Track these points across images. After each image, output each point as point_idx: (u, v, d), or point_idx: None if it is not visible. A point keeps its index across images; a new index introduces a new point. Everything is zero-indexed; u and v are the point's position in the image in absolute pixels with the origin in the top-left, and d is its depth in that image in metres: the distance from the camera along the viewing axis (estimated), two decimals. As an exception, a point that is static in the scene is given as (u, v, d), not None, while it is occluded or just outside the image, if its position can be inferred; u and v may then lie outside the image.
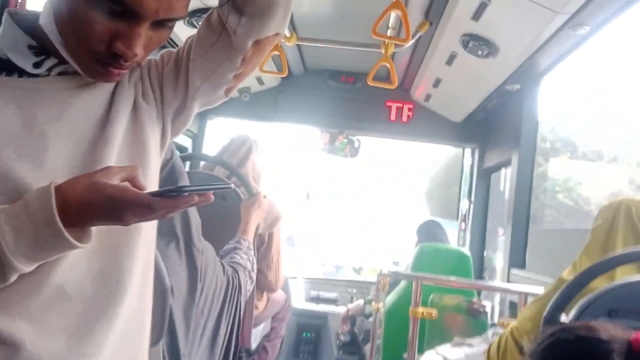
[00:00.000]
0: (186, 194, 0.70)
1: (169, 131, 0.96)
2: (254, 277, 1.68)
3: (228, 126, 3.86)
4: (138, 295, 0.87)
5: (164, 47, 0.94)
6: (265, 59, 2.62)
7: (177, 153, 1.23)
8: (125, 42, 0.77)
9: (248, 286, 1.62)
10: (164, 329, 1.09)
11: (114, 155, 0.83)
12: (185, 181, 1.27)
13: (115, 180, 0.70)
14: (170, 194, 0.70)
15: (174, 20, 0.82)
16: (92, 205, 0.69)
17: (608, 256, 1.24)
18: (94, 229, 0.74)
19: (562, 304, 1.20)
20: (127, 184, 0.72)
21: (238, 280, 1.54)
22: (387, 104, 3.53)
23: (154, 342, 1.03)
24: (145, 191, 0.73)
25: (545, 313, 1.22)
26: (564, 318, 1.21)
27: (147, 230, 0.89)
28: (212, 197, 0.73)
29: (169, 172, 1.19)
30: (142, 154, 0.88)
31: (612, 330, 0.78)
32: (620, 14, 1.88)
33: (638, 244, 1.34)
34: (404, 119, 3.53)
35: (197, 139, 3.56)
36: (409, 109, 3.53)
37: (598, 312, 1.16)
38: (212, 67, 0.91)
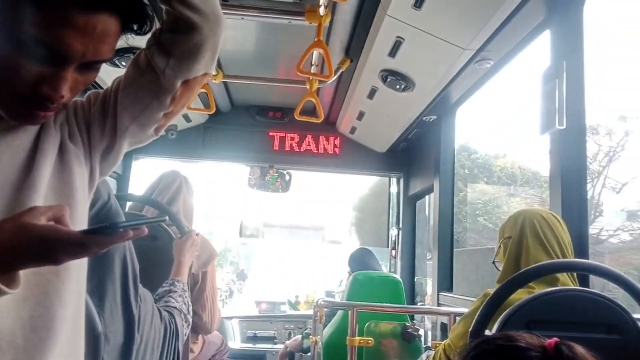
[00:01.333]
0: (121, 229, 0.70)
1: (97, 171, 0.94)
2: (190, 320, 1.63)
3: (153, 165, 3.78)
4: (69, 341, 0.84)
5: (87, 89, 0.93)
6: (192, 97, 2.62)
7: (114, 195, 1.20)
8: (51, 85, 0.77)
9: (184, 330, 1.57)
10: (96, 377, 1.04)
11: (40, 199, 0.81)
12: (121, 219, 1.24)
13: (42, 220, 0.68)
14: (105, 231, 0.70)
15: (101, 62, 0.82)
16: (22, 248, 0.67)
17: (521, 272, 1.34)
18: (22, 274, 0.71)
19: (485, 319, 1.28)
20: (53, 223, 0.70)
21: (175, 325, 1.49)
22: (315, 137, 3.62)
23: (84, 392, 0.97)
24: (79, 229, 0.71)
25: (470, 328, 1.29)
26: (488, 332, 1.28)
27: (77, 275, 0.86)
28: (146, 230, 0.73)
29: (106, 214, 1.15)
30: (69, 196, 0.86)
31: (529, 339, 0.85)
32: (520, 50, 2.09)
33: (546, 257, 1.46)
34: (332, 151, 3.64)
35: (121, 179, 3.45)
36: (336, 142, 3.64)
37: (518, 324, 1.25)
38: (141, 107, 0.92)
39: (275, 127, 3.61)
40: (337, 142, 3.65)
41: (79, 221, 0.86)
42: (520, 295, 1.32)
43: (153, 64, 0.89)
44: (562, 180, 1.79)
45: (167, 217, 0.77)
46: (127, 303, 1.20)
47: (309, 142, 3.63)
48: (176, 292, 1.59)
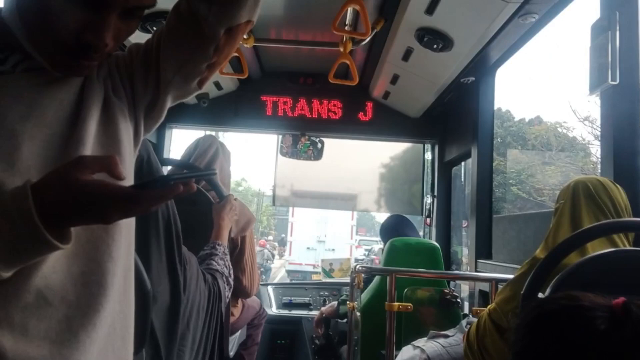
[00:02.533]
0: (172, 182, 0.68)
1: (142, 126, 0.92)
2: (232, 283, 1.63)
3: (186, 135, 3.79)
4: (120, 298, 0.83)
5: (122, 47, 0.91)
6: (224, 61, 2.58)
7: (153, 153, 1.19)
8: (94, 33, 0.75)
9: (227, 292, 1.58)
10: (146, 335, 1.04)
11: (88, 153, 0.79)
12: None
13: (89, 174, 0.66)
14: (156, 185, 0.68)
15: (143, 8, 0.80)
16: (70, 204, 0.65)
17: (578, 232, 1.28)
18: (73, 229, 0.69)
19: (539, 281, 1.22)
20: (103, 175, 0.68)
21: (218, 288, 1.50)
22: (347, 103, 3.54)
23: (136, 349, 0.98)
24: (128, 184, 0.70)
25: (522, 291, 1.23)
26: (541, 296, 1.23)
27: (127, 230, 0.85)
28: (195, 186, 0.71)
29: (147, 171, 1.14)
30: (116, 151, 0.84)
31: (594, 298, 0.80)
32: (569, 1, 1.96)
33: (602, 218, 1.39)
34: (365, 117, 3.56)
35: (156, 148, 3.47)
36: (369, 108, 3.55)
37: (573, 287, 1.18)
38: (184, 58, 0.89)
39: (306, 94, 3.54)
40: (370, 107, 3.55)
41: (127, 177, 0.84)
42: (572, 259, 1.26)
43: (195, 11, 0.85)
44: (615, 140, 1.70)
45: (216, 171, 0.75)
46: (172, 264, 1.20)
47: (341, 108, 3.55)
48: (217, 255, 1.59)
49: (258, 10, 0.92)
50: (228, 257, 1.63)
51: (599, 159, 1.91)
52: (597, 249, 1.31)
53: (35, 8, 0.76)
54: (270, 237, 26.82)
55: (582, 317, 0.77)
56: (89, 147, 0.79)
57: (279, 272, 19.36)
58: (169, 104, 0.94)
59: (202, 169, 1.94)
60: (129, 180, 0.86)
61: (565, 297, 0.85)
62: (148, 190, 0.67)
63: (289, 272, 17.68)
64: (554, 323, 0.81)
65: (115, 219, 0.69)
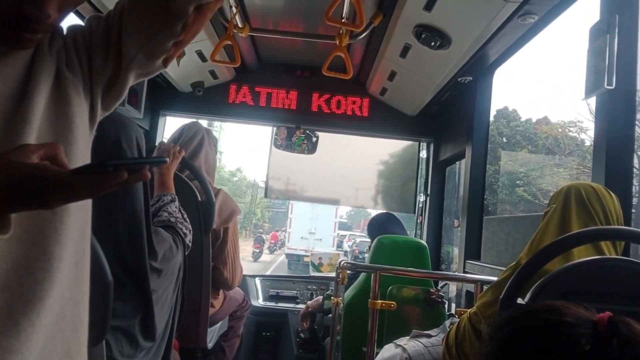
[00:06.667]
0: (110, 169, 0.62)
1: (99, 104, 0.87)
2: (189, 227, 1.57)
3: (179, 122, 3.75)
4: (71, 284, 0.79)
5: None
6: (217, 49, 2.54)
7: (131, 132, 1.15)
8: (34, 3, 0.71)
9: (188, 236, 1.54)
10: (107, 326, 1.01)
11: (34, 132, 0.74)
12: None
13: (33, 159, 0.62)
14: (92, 170, 0.62)
15: None
16: (8, 189, 0.61)
17: (561, 237, 1.25)
18: (14, 215, 0.66)
19: (518, 287, 1.20)
20: (46, 162, 0.64)
21: (182, 243, 1.47)
22: (344, 98, 3.51)
23: (95, 341, 0.94)
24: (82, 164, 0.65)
25: (501, 296, 1.21)
26: (520, 301, 1.20)
27: (79, 213, 0.81)
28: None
29: (111, 150, 1.10)
30: (67, 130, 0.79)
31: (576, 311, 0.74)
32: (569, 4, 1.92)
33: (591, 224, 1.36)
34: (361, 113, 3.52)
35: (149, 135, 3.43)
36: (365, 104, 3.52)
37: (553, 294, 1.16)
38: (148, 34, 0.83)
39: (302, 87, 3.51)
40: (366, 103, 3.52)
41: (79, 159, 0.80)
42: (556, 265, 1.24)
43: None
44: (608, 146, 1.68)
45: (165, 159, 0.70)
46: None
47: (337, 103, 3.51)
48: (167, 203, 1.55)
49: None
50: (176, 202, 1.59)
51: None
52: (583, 256, 1.29)
53: None
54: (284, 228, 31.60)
55: (564, 335, 0.72)
56: (36, 125, 0.75)
57: (279, 256, 25.38)
58: (130, 82, 0.89)
59: (184, 159, 1.89)
60: (83, 161, 0.82)
61: (545, 309, 0.79)
62: (85, 175, 0.62)
63: (287, 254, 22.70)
64: (533, 339, 0.75)
65: (57, 204, 0.65)
